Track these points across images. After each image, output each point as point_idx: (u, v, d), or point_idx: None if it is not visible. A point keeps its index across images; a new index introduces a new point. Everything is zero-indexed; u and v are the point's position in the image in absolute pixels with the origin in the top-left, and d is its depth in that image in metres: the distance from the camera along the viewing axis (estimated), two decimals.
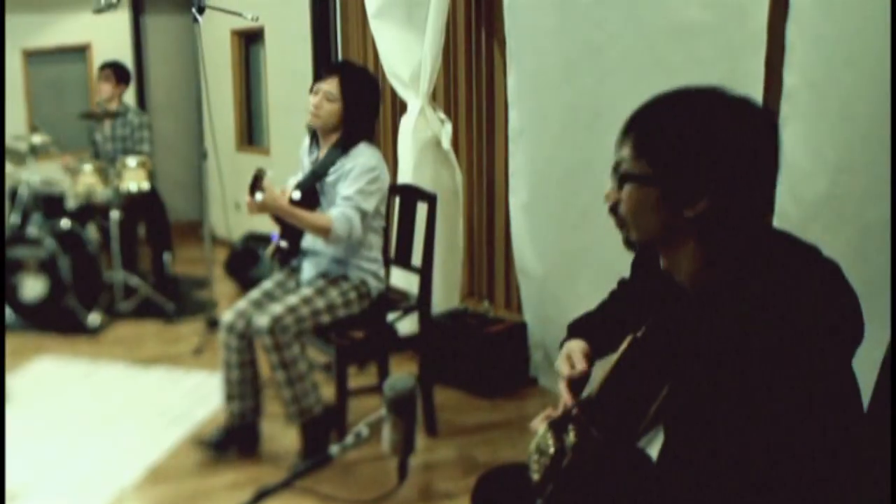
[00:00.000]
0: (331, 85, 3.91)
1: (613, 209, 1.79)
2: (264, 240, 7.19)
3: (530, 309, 5.03)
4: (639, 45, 3.84)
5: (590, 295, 4.27)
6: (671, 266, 1.75)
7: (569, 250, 4.53)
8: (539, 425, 1.98)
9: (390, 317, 4.30)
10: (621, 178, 1.73)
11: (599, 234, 4.23)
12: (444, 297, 5.23)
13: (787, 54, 3.15)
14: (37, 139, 6.28)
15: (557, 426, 1.79)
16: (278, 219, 3.99)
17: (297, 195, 3.87)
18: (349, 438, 1.88)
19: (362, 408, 4.41)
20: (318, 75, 4.03)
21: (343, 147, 3.94)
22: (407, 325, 4.61)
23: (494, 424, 4.49)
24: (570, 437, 1.74)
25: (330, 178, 3.93)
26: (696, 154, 1.60)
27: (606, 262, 4.19)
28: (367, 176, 3.85)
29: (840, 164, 2.95)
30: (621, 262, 4.06)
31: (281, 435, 4.21)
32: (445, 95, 5.76)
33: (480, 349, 4.85)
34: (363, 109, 3.98)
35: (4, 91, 7.37)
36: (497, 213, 5.60)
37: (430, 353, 4.35)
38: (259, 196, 3.74)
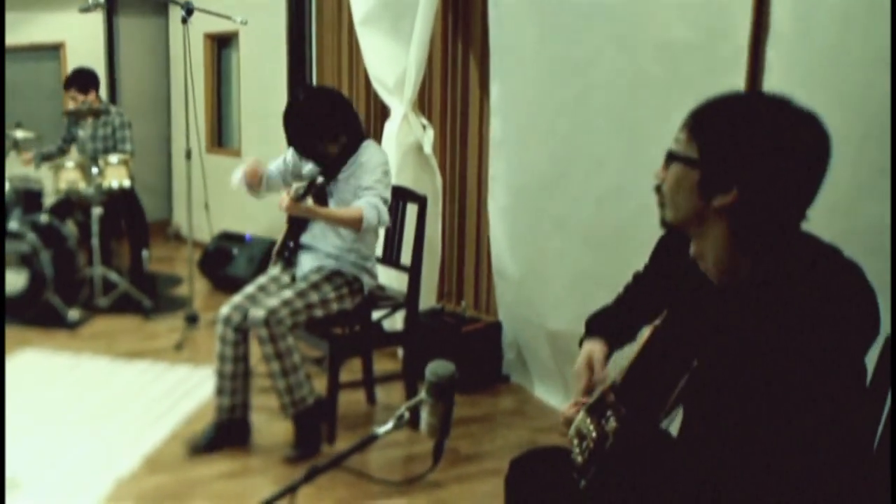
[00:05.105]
0: None
1: (658, 188, 1.92)
2: (237, 239, 7.32)
3: (505, 309, 5.19)
4: (621, 61, 4.00)
5: (562, 298, 4.51)
6: (699, 253, 1.89)
7: (544, 255, 4.70)
8: (570, 411, 2.15)
9: (380, 313, 4.46)
10: (668, 156, 1.87)
11: (573, 241, 4.42)
12: (422, 297, 5.35)
13: (766, 74, 3.34)
14: (20, 134, 6.33)
15: (595, 412, 1.94)
16: (291, 220, 4.19)
17: (309, 202, 3.94)
18: (392, 421, 2.06)
19: (348, 401, 4.56)
20: None
21: (344, 154, 4.12)
22: (388, 322, 4.76)
23: (473, 419, 4.67)
24: (611, 422, 1.89)
25: (343, 175, 4.09)
26: (736, 147, 1.75)
27: (579, 268, 4.39)
28: (381, 168, 4.05)
29: None
30: (593, 269, 4.28)
31: (269, 427, 4.34)
32: (421, 103, 5.87)
33: (457, 347, 4.99)
34: (325, 135, 4.08)
35: (5, 89, 7.37)
36: (468, 217, 5.76)
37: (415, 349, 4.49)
38: (309, 202, 3.91)
